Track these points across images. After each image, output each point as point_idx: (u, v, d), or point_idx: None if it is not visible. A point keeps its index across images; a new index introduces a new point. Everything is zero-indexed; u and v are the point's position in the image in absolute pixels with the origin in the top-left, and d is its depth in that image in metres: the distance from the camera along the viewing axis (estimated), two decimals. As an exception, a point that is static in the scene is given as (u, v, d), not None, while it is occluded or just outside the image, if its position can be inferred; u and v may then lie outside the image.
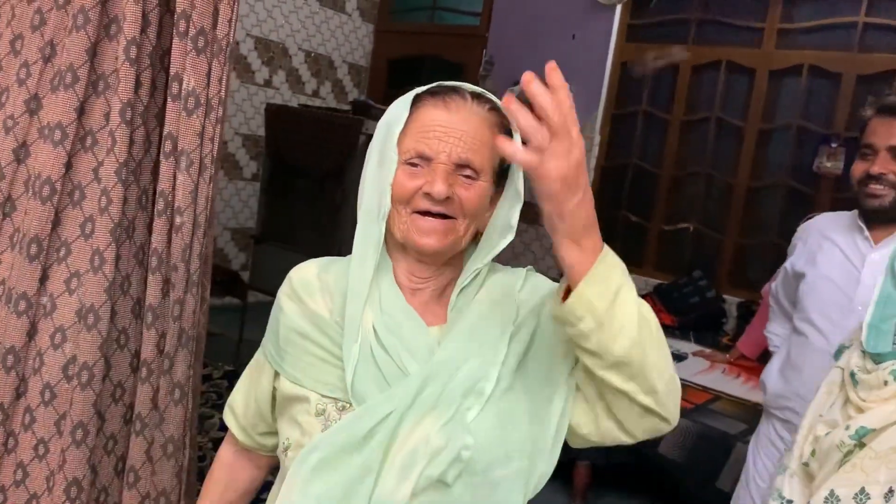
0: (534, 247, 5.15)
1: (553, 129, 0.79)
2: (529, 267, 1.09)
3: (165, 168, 1.62)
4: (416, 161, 0.98)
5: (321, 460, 0.95)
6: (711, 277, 4.42)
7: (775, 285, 2.11)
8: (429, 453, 0.93)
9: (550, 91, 0.78)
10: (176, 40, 1.59)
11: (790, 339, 1.93)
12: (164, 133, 1.62)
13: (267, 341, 1.11)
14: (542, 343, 1.00)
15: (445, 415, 0.94)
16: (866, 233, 1.76)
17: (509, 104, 0.80)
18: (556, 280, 0.99)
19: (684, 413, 2.98)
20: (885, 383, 1.24)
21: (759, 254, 4.46)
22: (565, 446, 1.01)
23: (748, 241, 4.51)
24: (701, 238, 4.66)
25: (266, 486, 1.19)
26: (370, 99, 4.67)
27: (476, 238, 1.04)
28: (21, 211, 1.58)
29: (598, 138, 4.91)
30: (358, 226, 1.03)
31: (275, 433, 1.14)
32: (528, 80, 0.78)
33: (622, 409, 0.92)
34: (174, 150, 1.61)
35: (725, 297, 4.34)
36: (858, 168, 1.75)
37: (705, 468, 2.80)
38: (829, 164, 4.04)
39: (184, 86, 1.60)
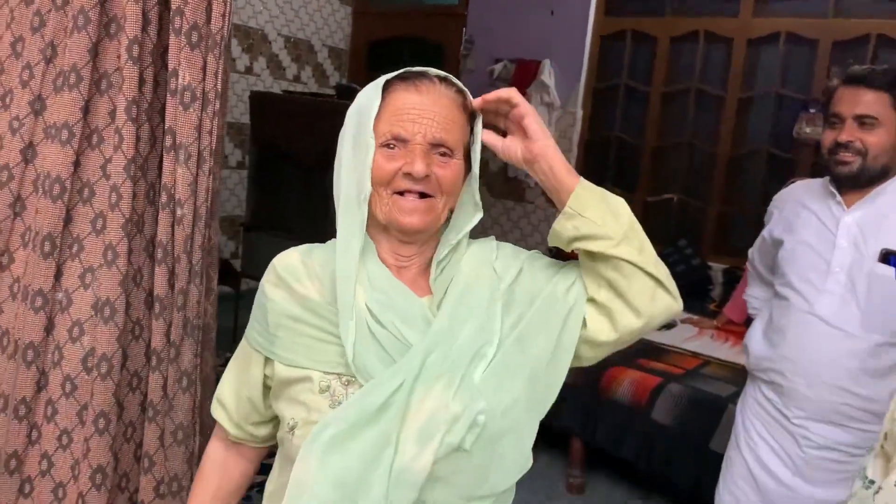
0: (521, 224, 5.22)
1: (513, 104, 1.07)
2: (491, 237, 1.17)
3: (167, 162, 1.66)
4: (393, 143, 1.02)
5: (335, 436, 0.95)
6: (696, 246, 4.51)
7: (752, 251, 2.17)
8: (447, 420, 0.96)
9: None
10: (172, 36, 1.62)
11: (772, 303, 1.98)
12: (165, 128, 1.65)
13: (252, 331, 1.12)
14: (531, 303, 1.08)
15: (455, 380, 0.98)
16: (838, 198, 1.82)
17: (480, 105, 1.08)
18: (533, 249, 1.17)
19: (675, 378, 3.10)
20: None
21: (742, 220, 4.55)
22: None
23: (731, 208, 4.60)
24: (685, 207, 4.74)
25: (264, 469, 1.18)
26: (352, 83, 4.69)
27: (449, 216, 1.10)
28: (31, 210, 1.61)
29: (580, 113, 4.96)
30: (339, 211, 1.06)
31: (267, 422, 1.16)
32: (476, 102, 1.08)
33: (637, 293, 1.06)
34: (174, 144, 1.65)
35: (711, 264, 4.42)
36: (828, 137, 1.81)
37: (698, 431, 2.88)
38: (808, 130, 4.11)
39: (179, 80, 1.63)
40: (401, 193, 1.03)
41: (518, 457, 1.05)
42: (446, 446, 0.96)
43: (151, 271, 1.71)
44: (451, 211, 1.09)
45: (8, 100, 1.62)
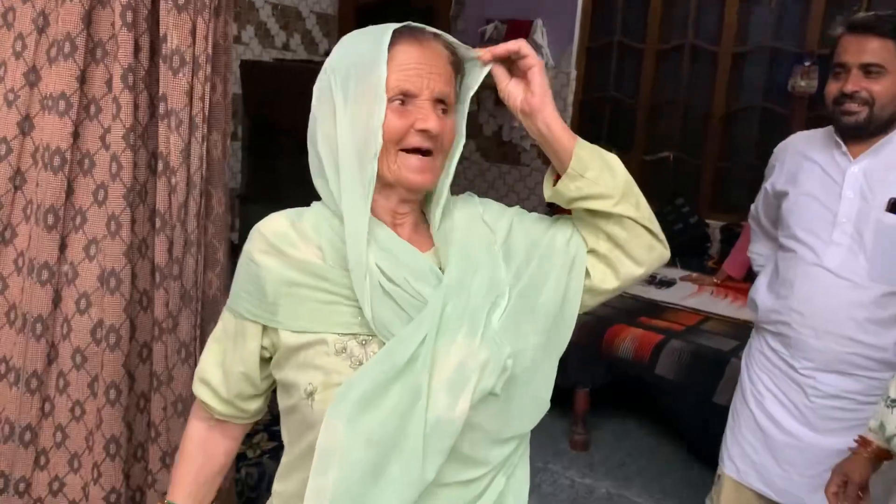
0: (517, 187, 5.20)
1: (522, 54, 1.09)
2: (469, 192, 1.19)
3: (162, 129, 1.63)
4: (402, 98, 1.01)
5: (362, 395, 0.95)
6: (693, 203, 4.51)
7: (755, 206, 2.16)
8: (477, 367, 0.99)
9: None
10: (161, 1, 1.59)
11: (777, 255, 1.98)
12: (159, 94, 1.63)
13: (243, 303, 1.08)
14: (529, 255, 1.11)
15: (476, 329, 1.00)
16: (844, 148, 1.80)
17: (486, 56, 1.10)
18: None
19: (677, 334, 3.13)
20: None
21: (738, 176, 4.54)
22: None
23: (727, 164, 4.59)
24: (681, 165, 4.73)
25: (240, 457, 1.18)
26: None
27: None
28: (32, 183, 1.59)
29: (574, 73, 4.92)
30: (342, 170, 1.02)
31: (259, 395, 1.15)
32: (485, 55, 1.10)
33: (635, 245, 1.12)
34: (167, 111, 1.63)
35: (708, 221, 4.42)
36: (832, 87, 1.78)
37: (701, 385, 2.92)
38: (803, 84, 4.09)
39: (168, 45, 1.59)
40: (407, 151, 1.02)
41: (539, 399, 1.11)
42: (480, 392, 0.99)
43: (154, 241, 1.70)
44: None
45: (1, 72, 1.59)
